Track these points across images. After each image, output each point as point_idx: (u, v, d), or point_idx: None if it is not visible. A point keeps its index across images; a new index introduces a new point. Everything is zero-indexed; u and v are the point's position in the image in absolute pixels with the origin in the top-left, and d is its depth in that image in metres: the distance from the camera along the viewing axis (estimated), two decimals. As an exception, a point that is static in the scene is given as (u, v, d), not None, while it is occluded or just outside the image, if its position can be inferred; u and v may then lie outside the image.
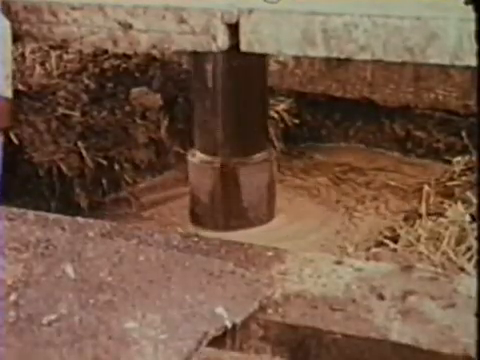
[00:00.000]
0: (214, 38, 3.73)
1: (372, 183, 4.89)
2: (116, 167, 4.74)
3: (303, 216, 4.44)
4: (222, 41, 3.74)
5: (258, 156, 4.23)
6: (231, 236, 3.83)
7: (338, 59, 3.93)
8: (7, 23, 3.71)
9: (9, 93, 3.75)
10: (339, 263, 2.38)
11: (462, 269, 2.73)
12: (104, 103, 4.83)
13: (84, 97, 4.76)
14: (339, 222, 4.33)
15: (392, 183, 4.84)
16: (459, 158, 4.22)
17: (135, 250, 2.38)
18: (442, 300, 2.17)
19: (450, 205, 3.32)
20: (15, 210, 2.71)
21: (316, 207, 4.57)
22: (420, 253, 2.89)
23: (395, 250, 2.98)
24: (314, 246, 3.93)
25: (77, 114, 4.64)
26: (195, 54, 4.06)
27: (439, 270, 2.46)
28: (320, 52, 3.60)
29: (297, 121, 5.39)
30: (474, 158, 4.07)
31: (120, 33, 3.90)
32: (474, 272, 2.60)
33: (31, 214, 2.67)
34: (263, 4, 3.67)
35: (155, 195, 4.77)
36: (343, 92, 5.32)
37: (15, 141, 4.34)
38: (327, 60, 5.09)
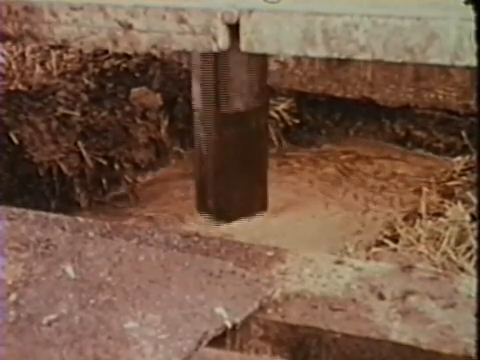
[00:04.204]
0: (214, 38, 3.73)
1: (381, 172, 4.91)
2: (116, 167, 4.74)
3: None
4: (222, 41, 3.74)
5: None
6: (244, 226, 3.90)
7: (338, 59, 3.93)
8: None
9: None
10: (339, 263, 2.38)
11: (462, 269, 2.73)
12: (104, 103, 4.83)
13: (84, 97, 4.76)
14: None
15: (399, 171, 4.86)
16: (459, 158, 4.23)
17: (135, 250, 2.38)
18: (442, 300, 2.17)
19: (450, 205, 3.32)
20: (15, 210, 2.71)
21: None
22: (420, 253, 2.90)
23: (395, 250, 2.99)
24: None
25: (77, 114, 4.64)
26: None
27: (439, 270, 2.46)
28: (320, 52, 3.59)
29: (297, 121, 5.39)
30: (474, 158, 4.07)
31: (120, 33, 3.90)
32: (474, 272, 2.60)
33: (31, 214, 2.67)
34: (263, 4, 3.66)
35: (154, 189, 4.78)
36: (343, 92, 5.32)
37: (15, 141, 4.34)
38: (327, 60, 5.09)
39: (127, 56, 5.09)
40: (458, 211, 3.19)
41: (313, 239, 3.98)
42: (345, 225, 4.16)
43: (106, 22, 3.88)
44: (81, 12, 3.92)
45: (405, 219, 3.47)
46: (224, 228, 4.14)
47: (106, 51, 4.96)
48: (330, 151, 5.25)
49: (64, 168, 4.46)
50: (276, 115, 5.23)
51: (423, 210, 3.40)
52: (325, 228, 4.16)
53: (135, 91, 4.99)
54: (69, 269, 2.25)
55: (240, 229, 4.12)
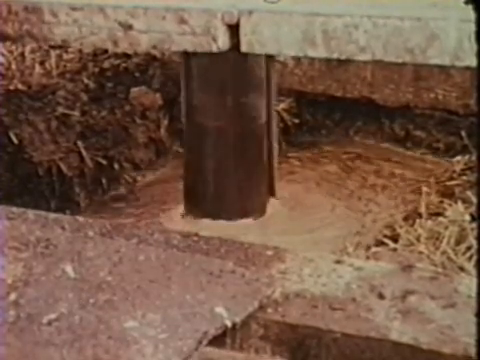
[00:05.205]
0: (214, 39, 3.73)
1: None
2: (116, 166, 4.74)
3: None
4: (222, 42, 3.74)
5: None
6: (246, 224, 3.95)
7: (338, 59, 3.94)
8: None
9: None
10: (339, 262, 2.38)
11: (462, 269, 2.73)
12: (104, 103, 4.83)
13: (84, 97, 4.76)
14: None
15: (398, 171, 4.86)
16: (459, 158, 4.23)
17: (135, 250, 2.38)
18: (442, 300, 2.17)
19: (450, 205, 3.32)
20: (15, 209, 2.71)
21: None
22: (420, 253, 2.90)
23: (395, 249, 2.99)
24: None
25: (77, 114, 4.64)
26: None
27: (439, 270, 2.46)
28: (320, 53, 3.60)
29: (297, 121, 5.40)
30: (474, 158, 4.07)
31: (120, 34, 3.90)
32: (474, 272, 2.60)
33: (31, 213, 2.67)
34: (263, 5, 3.67)
35: (153, 188, 4.78)
36: (343, 92, 5.32)
37: (15, 141, 4.34)
38: (327, 60, 5.09)
39: (127, 56, 5.09)
40: (458, 211, 3.19)
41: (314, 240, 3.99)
42: (346, 225, 4.17)
43: (106, 22, 3.88)
44: (81, 12, 3.92)
45: (405, 219, 3.47)
46: (224, 228, 4.14)
47: (106, 51, 4.96)
48: (331, 152, 5.26)
49: (64, 168, 4.46)
50: (276, 115, 5.23)
51: (423, 210, 3.40)
52: (326, 228, 4.17)
53: (135, 91, 4.99)
54: (69, 269, 2.25)
55: (240, 229, 4.12)
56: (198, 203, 4.33)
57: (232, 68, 3.99)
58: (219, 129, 4.11)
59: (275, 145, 4.36)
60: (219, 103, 4.06)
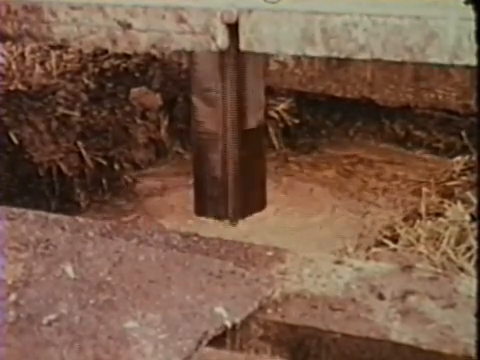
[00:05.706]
0: (214, 38, 3.73)
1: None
2: (116, 167, 4.74)
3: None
4: (222, 41, 3.74)
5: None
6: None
7: (338, 59, 3.93)
8: None
9: None
10: (339, 263, 2.38)
11: (462, 269, 2.73)
12: (104, 103, 4.84)
13: (84, 97, 4.76)
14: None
15: (400, 172, 4.86)
16: (459, 158, 4.23)
17: (135, 250, 2.38)
18: (442, 300, 2.17)
19: (450, 205, 3.32)
20: (15, 210, 2.71)
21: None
22: (420, 253, 2.90)
23: (395, 250, 2.99)
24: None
25: (77, 114, 4.64)
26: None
27: (439, 270, 2.46)
28: (320, 51, 3.60)
29: (297, 121, 5.40)
30: (474, 158, 4.07)
31: (119, 33, 3.90)
32: (474, 272, 2.60)
33: (31, 214, 2.67)
34: (263, 4, 3.67)
35: (153, 189, 4.79)
36: (343, 92, 5.32)
37: (15, 141, 4.34)
38: (327, 60, 5.10)
39: (127, 56, 5.10)
40: (458, 211, 3.19)
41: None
42: (347, 226, 4.17)
43: (105, 22, 3.88)
44: (80, 11, 3.93)
45: (405, 219, 3.47)
46: (226, 229, 4.14)
47: (106, 51, 4.97)
48: (331, 155, 5.26)
49: (64, 168, 4.47)
50: (276, 115, 5.23)
51: (423, 210, 3.40)
52: (327, 230, 4.17)
53: (135, 91, 4.99)
54: (69, 269, 2.25)
55: (241, 230, 4.12)
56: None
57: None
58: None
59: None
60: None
